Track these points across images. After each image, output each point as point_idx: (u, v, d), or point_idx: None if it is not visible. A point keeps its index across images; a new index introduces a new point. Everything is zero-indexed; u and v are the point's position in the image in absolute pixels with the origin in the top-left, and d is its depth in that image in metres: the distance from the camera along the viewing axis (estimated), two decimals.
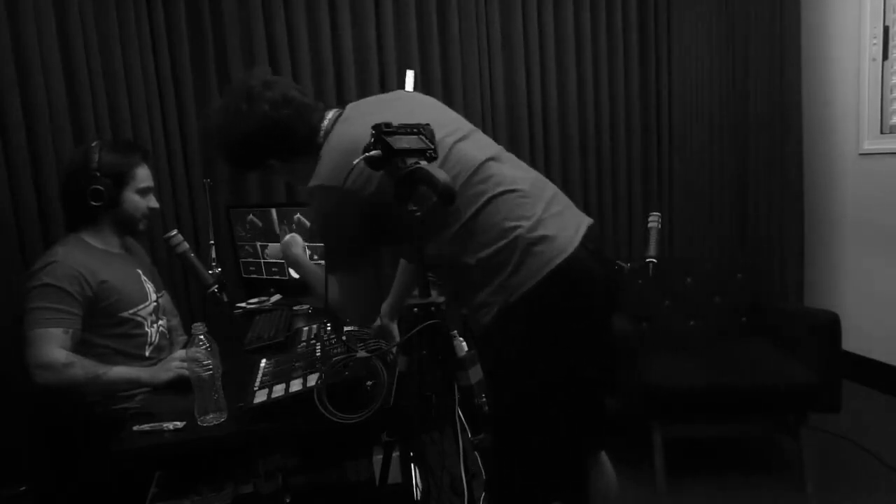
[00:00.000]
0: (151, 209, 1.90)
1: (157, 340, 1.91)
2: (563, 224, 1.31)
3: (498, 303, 1.26)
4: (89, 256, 1.78)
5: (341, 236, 1.32)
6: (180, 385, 1.64)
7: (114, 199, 1.80)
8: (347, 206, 1.27)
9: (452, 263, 1.30)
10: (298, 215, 2.44)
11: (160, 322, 1.96)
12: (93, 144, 1.82)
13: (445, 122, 1.38)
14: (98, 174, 1.76)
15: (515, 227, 1.26)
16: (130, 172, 1.83)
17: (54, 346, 1.64)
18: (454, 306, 1.36)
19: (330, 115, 1.42)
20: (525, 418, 1.30)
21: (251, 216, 2.56)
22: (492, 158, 1.35)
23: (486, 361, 1.27)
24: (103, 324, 1.77)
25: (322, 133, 1.38)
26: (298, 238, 1.67)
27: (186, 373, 1.64)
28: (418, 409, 1.30)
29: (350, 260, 1.35)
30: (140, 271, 1.94)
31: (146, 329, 1.87)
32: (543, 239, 1.26)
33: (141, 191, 1.85)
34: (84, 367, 1.66)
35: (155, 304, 1.94)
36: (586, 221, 1.38)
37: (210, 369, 1.40)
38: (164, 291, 2.08)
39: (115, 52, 2.37)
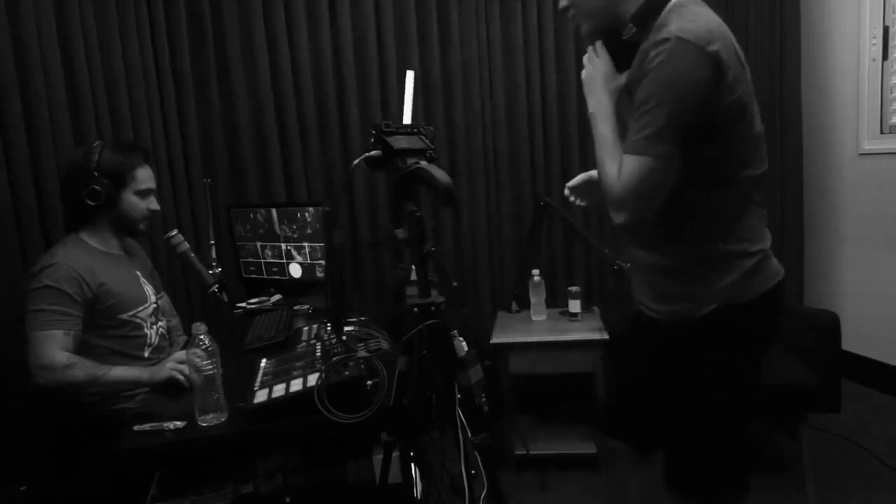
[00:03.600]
0: (152, 211, 1.89)
1: (156, 342, 1.91)
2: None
3: (723, 300, 1.27)
4: (89, 258, 1.78)
5: (682, 100, 1.15)
6: (180, 385, 1.65)
7: (112, 199, 1.79)
8: (700, 69, 1.14)
9: (706, 245, 1.29)
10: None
11: (160, 323, 1.96)
12: (94, 144, 1.82)
13: None
14: (96, 174, 1.76)
15: (762, 239, 1.33)
16: (130, 173, 1.82)
17: (55, 348, 1.64)
18: (455, 306, 1.36)
19: None
20: (706, 416, 1.35)
21: (256, 214, 2.56)
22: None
23: (677, 356, 1.33)
24: (102, 325, 1.77)
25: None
26: (599, 63, 1.36)
27: (180, 377, 1.64)
28: (418, 409, 1.30)
29: (670, 136, 1.17)
30: (139, 273, 1.94)
31: (146, 331, 1.87)
32: (770, 257, 1.34)
33: (141, 192, 1.85)
34: (85, 368, 1.66)
35: (154, 305, 1.94)
36: None
37: (210, 369, 1.40)
38: (163, 293, 2.08)
39: (116, 52, 2.37)
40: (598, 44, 1.35)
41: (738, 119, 1.21)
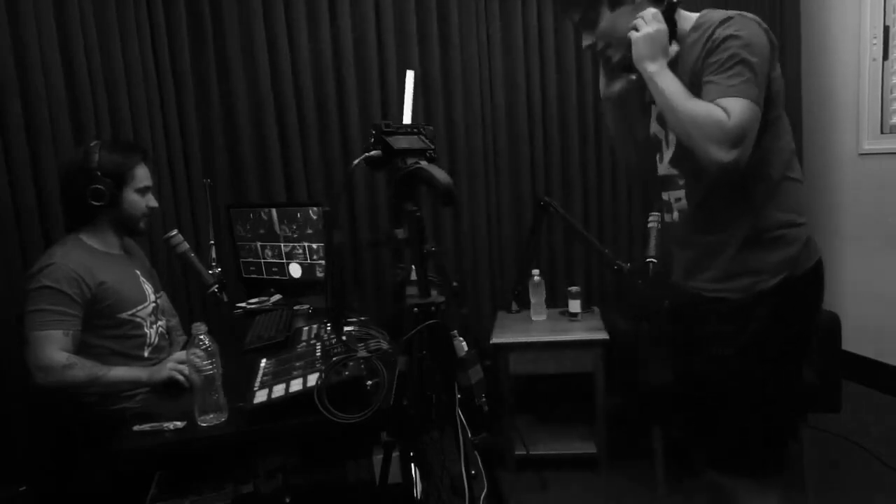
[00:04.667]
0: (151, 208, 1.90)
1: (156, 341, 1.91)
2: None
3: (785, 272, 1.35)
4: (88, 257, 1.78)
5: (760, 61, 1.26)
6: (180, 385, 1.65)
7: (114, 198, 1.80)
8: (765, 39, 1.29)
9: (763, 215, 1.36)
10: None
11: (159, 323, 1.96)
12: (92, 144, 1.82)
13: None
14: (98, 174, 1.76)
15: (805, 212, 1.42)
16: (130, 172, 1.83)
17: (55, 348, 1.64)
18: (455, 306, 1.36)
19: None
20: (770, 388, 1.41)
21: (256, 214, 2.56)
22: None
23: (742, 329, 1.37)
24: (102, 325, 1.77)
25: None
26: (662, 28, 1.35)
27: (180, 377, 1.64)
28: (418, 409, 1.30)
29: (759, 89, 1.27)
30: (138, 272, 1.94)
31: (145, 330, 1.87)
32: (810, 234, 1.43)
33: (140, 190, 1.86)
34: (84, 369, 1.66)
35: (154, 304, 1.94)
36: None
37: (210, 369, 1.40)
38: (162, 292, 2.08)
39: (115, 52, 2.37)
40: (655, 11, 1.36)
41: (779, 93, 1.34)
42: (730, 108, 1.23)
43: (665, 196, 1.52)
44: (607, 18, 1.40)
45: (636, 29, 1.35)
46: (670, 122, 1.33)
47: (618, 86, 1.50)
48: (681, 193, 1.46)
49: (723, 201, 1.38)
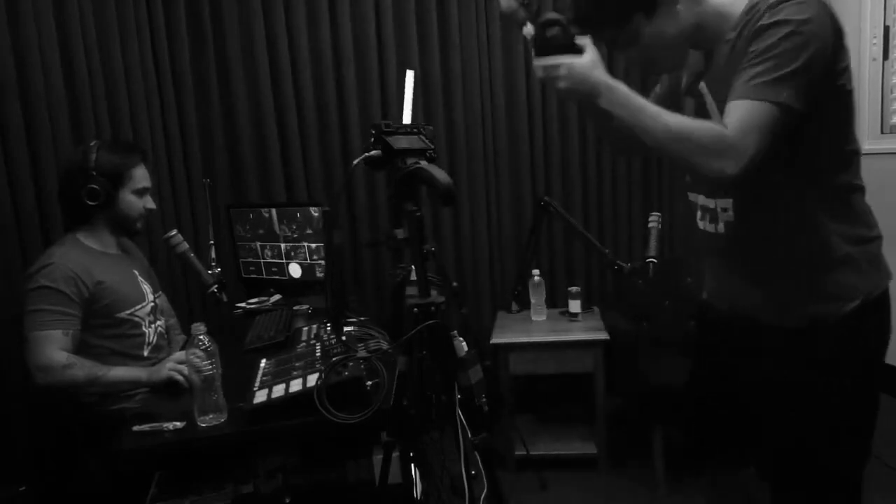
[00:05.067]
0: (148, 210, 1.90)
1: (155, 340, 1.91)
2: None
3: (862, 294, 1.19)
4: (86, 257, 1.78)
5: (810, 54, 1.05)
6: (180, 385, 1.65)
7: (110, 198, 1.80)
8: (827, 26, 1.07)
9: (824, 233, 1.20)
10: None
11: (158, 322, 1.96)
12: (91, 144, 1.82)
13: None
14: (95, 174, 1.76)
15: (876, 224, 1.29)
16: (128, 173, 1.83)
17: (54, 348, 1.65)
18: (455, 306, 1.36)
19: None
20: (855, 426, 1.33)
21: (255, 214, 2.56)
22: None
23: (810, 365, 1.22)
24: (100, 324, 1.77)
25: None
26: (592, 54, 1.19)
27: (180, 378, 1.64)
28: (418, 409, 1.30)
29: (794, 85, 1.06)
30: (136, 272, 1.94)
31: (144, 329, 1.87)
32: (882, 250, 1.28)
33: (138, 191, 1.86)
34: (84, 369, 1.66)
35: (152, 304, 1.94)
36: None
37: (209, 369, 1.40)
38: (160, 292, 2.08)
39: (115, 52, 2.37)
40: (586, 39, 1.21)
41: (845, 87, 1.14)
42: (738, 116, 1.07)
43: (711, 204, 1.29)
44: (648, 32, 1.20)
45: (555, 79, 1.18)
46: (652, 146, 1.14)
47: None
48: (728, 203, 1.25)
49: (780, 213, 1.21)
